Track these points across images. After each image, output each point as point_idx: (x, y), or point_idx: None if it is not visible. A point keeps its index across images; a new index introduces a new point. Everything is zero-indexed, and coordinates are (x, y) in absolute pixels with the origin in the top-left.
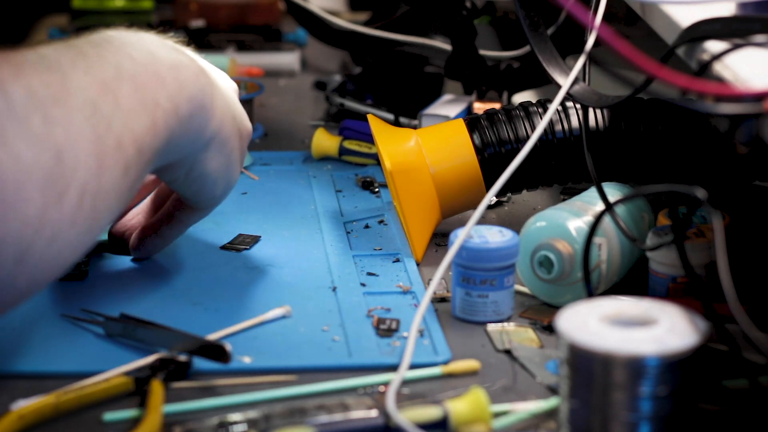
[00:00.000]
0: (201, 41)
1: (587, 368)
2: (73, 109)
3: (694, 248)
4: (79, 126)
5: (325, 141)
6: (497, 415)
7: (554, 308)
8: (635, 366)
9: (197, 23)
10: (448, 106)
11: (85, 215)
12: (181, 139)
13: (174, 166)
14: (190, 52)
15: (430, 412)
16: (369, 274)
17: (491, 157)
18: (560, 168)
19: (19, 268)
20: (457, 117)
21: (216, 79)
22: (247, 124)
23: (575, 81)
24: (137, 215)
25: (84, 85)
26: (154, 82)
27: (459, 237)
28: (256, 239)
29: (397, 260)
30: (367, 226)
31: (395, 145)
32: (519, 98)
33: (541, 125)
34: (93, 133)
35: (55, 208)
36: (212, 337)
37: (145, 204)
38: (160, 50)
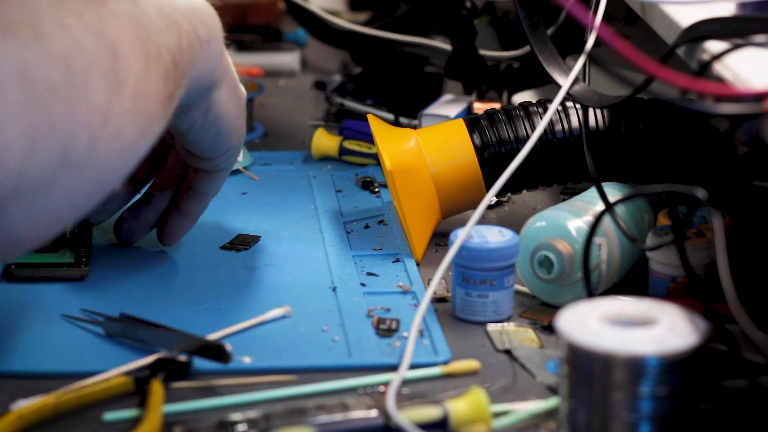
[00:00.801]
0: None
1: (587, 368)
2: (117, 14)
3: (694, 248)
4: (126, 28)
5: (325, 141)
6: (497, 415)
7: (554, 308)
8: (635, 366)
9: None
10: (448, 106)
11: (141, 114)
12: (202, 64)
13: (192, 107)
14: None
15: (430, 412)
16: (369, 274)
17: (491, 157)
18: (560, 168)
19: (91, 157)
20: (457, 117)
21: None
22: (243, 88)
23: (575, 81)
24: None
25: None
26: (171, 7)
27: (459, 237)
28: (256, 239)
29: (397, 260)
30: (367, 226)
31: (395, 145)
32: (519, 98)
33: (541, 125)
34: (137, 37)
35: (118, 101)
36: (212, 337)
37: (146, 195)
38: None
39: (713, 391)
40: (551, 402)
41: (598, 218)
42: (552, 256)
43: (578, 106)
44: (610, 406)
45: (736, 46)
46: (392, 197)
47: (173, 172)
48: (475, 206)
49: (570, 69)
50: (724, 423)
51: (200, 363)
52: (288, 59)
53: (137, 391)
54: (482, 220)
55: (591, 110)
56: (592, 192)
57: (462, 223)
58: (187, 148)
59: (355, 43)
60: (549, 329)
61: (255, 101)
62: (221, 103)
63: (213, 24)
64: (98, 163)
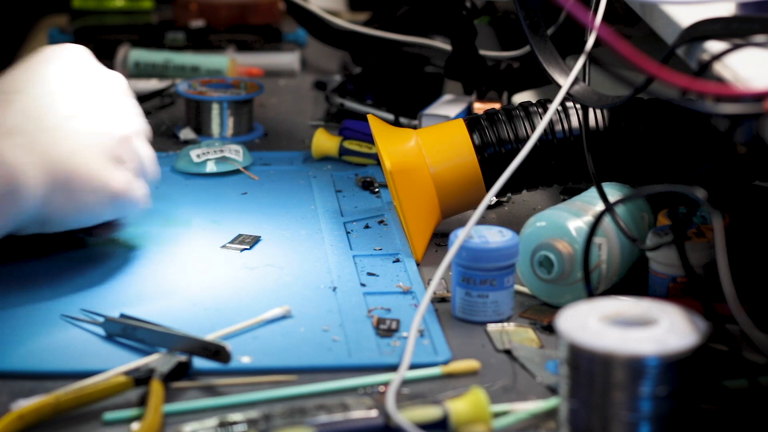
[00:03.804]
0: (201, 41)
1: (587, 368)
2: None
3: (694, 248)
4: None
5: (325, 141)
6: (497, 415)
7: (554, 308)
8: (635, 366)
9: (197, 23)
10: (448, 106)
11: None
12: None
13: (17, 233)
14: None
15: (430, 412)
16: (369, 274)
17: (491, 157)
18: (560, 168)
19: None
20: (457, 117)
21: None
22: (129, 124)
23: (575, 81)
24: None
25: None
26: None
27: (459, 237)
28: (256, 239)
29: (397, 260)
30: (367, 226)
31: (395, 145)
32: (519, 98)
33: (541, 125)
34: None
35: None
36: (212, 337)
37: None
38: None
39: (713, 391)
40: (551, 402)
41: (598, 218)
42: (552, 256)
43: (578, 106)
44: (610, 406)
45: (736, 46)
46: (392, 197)
47: None
48: (475, 206)
49: (570, 69)
50: (724, 423)
51: (200, 363)
52: (288, 59)
53: (137, 391)
54: (482, 220)
55: (591, 110)
56: (592, 192)
57: (462, 223)
58: None
59: (355, 43)
60: (549, 329)
61: (255, 101)
62: (57, 211)
63: (10, 174)
64: None
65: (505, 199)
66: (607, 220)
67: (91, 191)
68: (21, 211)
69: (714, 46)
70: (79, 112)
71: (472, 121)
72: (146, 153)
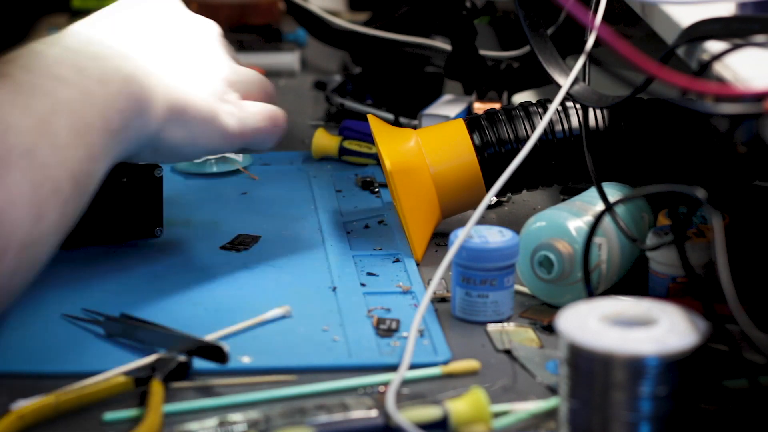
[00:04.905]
0: None
1: (587, 368)
2: (11, 166)
3: (694, 248)
4: (17, 183)
5: (325, 141)
6: (497, 415)
7: (554, 308)
8: (635, 366)
9: None
10: (448, 106)
11: (26, 265)
12: (122, 145)
13: (132, 158)
14: (119, 34)
15: (430, 412)
16: (369, 274)
17: (491, 157)
18: (560, 168)
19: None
20: (457, 117)
21: (163, 56)
22: (241, 71)
23: (575, 81)
24: None
25: (23, 129)
26: (84, 103)
27: (459, 237)
28: (256, 239)
29: (397, 260)
30: (367, 226)
31: (395, 145)
32: (519, 98)
33: (541, 125)
34: (31, 186)
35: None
36: (212, 337)
37: None
38: (86, 61)
39: (713, 391)
40: (551, 402)
41: (598, 218)
42: (552, 256)
43: (578, 106)
44: (610, 406)
45: (736, 46)
46: (392, 197)
47: None
48: (475, 206)
49: (570, 69)
50: (724, 423)
51: (200, 363)
52: (288, 59)
53: (137, 391)
54: (482, 220)
55: (591, 110)
56: (592, 192)
57: (462, 223)
58: None
59: (355, 43)
60: (549, 329)
61: None
62: (169, 139)
63: (129, 95)
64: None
65: (505, 199)
66: (607, 220)
67: (203, 123)
68: (147, 129)
69: (714, 46)
70: (189, 52)
71: (472, 121)
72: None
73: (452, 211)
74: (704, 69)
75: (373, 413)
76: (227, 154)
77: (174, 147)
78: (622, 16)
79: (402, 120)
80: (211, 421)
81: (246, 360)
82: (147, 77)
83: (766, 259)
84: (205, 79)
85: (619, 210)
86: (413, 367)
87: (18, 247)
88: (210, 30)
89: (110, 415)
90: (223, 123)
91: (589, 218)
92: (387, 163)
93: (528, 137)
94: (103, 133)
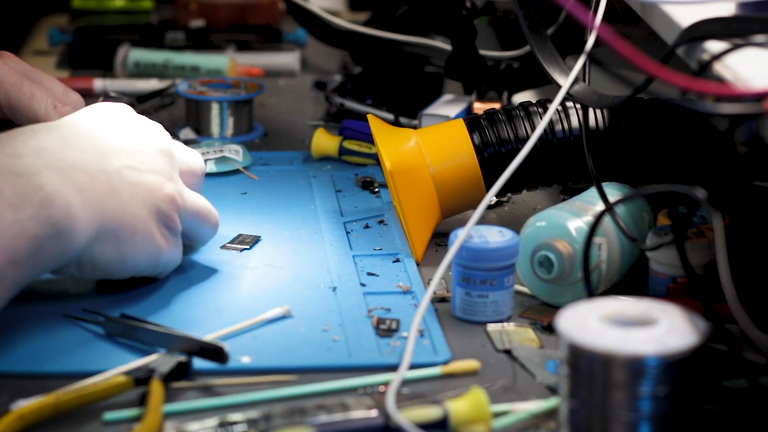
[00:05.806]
0: (201, 41)
1: (587, 368)
2: None
3: (694, 248)
4: None
5: (325, 141)
6: (497, 415)
7: (554, 308)
8: (635, 366)
9: (197, 23)
10: (448, 106)
11: None
12: (34, 269)
13: (56, 273)
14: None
15: (430, 412)
16: (369, 274)
17: (491, 157)
18: (560, 168)
19: None
20: (457, 117)
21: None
22: (192, 163)
23: (575, 81)
24: None
25: None
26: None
27: (459, 237)
28: (256, 239)
29: (397, 260)
30: (367, 226)
31: (395, 145)
32: (519, 98)
33: (541, 125)
34: None
35: None
36: (212, 336)
37: None
38: (4, 181)
39: (713, 391)
40: (551, 402)
41: (598, 218)
42: (552, 256)
43: (578, 106)
44: (610, 406)
45: (736, 46)
46: (392, 197)
47: None
48: (475, 206)
49: (570, 69)
50: (724, 423)
51: (200, 363)
52: (288, 59)
53: (137, 391)
54: (482, 220)
55: (591, 110)
56: (592, 192)
57: (462, 223)
58: None
59: (355, 43)
60: (549, 329)
61: (255, 101)
62: (97, 258)
63: (44, 220)
64: None
65: (505, 199)
66: (607, 220)
67: (138, 244)
68: (68, 251)
69: (714, 46)
70: (130, 164)
71: (472, 121)
72: (197, 203)
73: (452, 211)
74: (704, 69)
75: (373, 413)
76: (227, 155)
77: (103, 265)
78: (622, 16)
79: (402, 120)
80: (211, 421)
81: (246, 360)
82: (72, 195)
83: (766, 259)
84: (150, 194)
85: (619, 210)
86: (413, 367)
87: None
88: (161, 134)
89: (110, 415)
90: (158, 243)
91: (589, 218)
92: (387, 163)
93: (528, 137)
94: (7, 264)
